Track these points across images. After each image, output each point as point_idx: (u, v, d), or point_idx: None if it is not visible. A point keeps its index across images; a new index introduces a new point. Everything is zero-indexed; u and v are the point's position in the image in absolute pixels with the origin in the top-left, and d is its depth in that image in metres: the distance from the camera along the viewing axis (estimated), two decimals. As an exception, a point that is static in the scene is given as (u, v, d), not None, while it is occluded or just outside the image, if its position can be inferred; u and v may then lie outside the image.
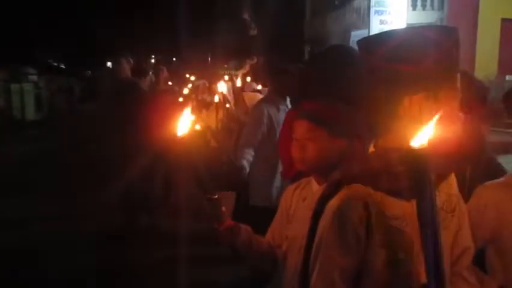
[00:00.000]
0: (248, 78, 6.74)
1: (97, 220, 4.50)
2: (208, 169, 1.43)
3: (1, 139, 11.28)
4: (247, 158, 3.13)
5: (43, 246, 4.13)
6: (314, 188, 1.54)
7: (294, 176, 1.78)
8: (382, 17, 12.65)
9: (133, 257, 3.92)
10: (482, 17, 12.08)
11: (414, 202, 0.96)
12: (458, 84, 1.09)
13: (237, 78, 6.20)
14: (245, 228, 1.53)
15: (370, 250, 1.09)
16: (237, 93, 5.17)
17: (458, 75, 1.09)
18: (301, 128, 1.50)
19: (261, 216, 2.97)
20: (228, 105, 4.57)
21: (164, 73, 5.01)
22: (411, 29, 1.25)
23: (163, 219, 4.57)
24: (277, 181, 3.00)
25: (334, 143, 1.46)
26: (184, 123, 1.39)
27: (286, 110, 3.02)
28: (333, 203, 1.13)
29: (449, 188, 1.20)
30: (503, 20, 12.15)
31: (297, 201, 1.58)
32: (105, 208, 4.52)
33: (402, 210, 1.07)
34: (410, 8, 13.05)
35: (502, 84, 9.65)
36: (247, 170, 3.12)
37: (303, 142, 1.49)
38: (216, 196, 1.43)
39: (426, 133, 0.87)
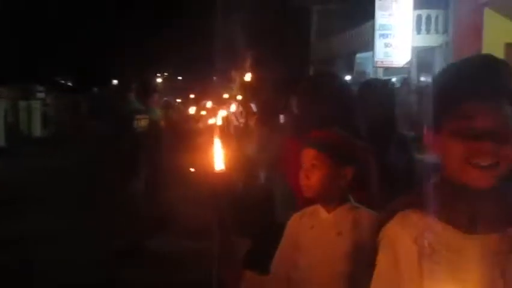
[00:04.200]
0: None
1: (101, 239, 4.52)
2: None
3: (8, 155, 11.37)
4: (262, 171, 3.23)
5: (45, 263, 4.13)
6: (323, 215, 1.57)
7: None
8: (387, 40, 12.79)
9: (138, 277, 3.94)
10: (486, 41, 12.19)
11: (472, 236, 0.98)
12: None
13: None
14: (250, 275, 1.56)
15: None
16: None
17: None
18: (307, 156, 1.56)
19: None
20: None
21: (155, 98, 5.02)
22: None
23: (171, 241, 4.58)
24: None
25: (338, 171, 1.52)
26: (220, 158, 1.43)
27: None
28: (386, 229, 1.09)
29: None
30: (507, 45, 12.24)
31: (305, 230, 1.60)
32: (110, 227, 4.54)
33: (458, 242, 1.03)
34: (415, 32, 13.21)
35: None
36: (262, 180, 3.21)
37: (308, 169, 1.55)
38: (232, 241, 1.49)
39: None
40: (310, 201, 1.63)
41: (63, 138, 13.79)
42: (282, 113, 4.31)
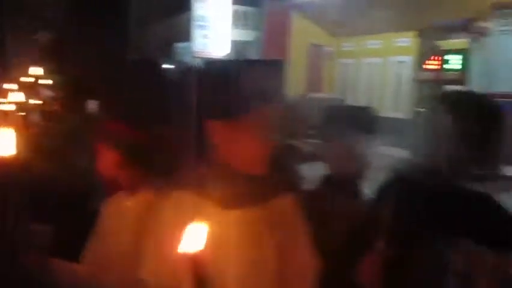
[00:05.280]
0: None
1: None
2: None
3: None
4: None
5: None
6: (124, 201, 1.59)
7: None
8: (205, 32, 13.09)
9: None
10: (294, 40, 13.45)
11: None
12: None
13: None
14: (58, 263, 1.54)
15: None
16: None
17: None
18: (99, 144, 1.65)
19: None
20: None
21: None
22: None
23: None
24: None
25: (108, 156, 1.57)
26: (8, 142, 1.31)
27: None
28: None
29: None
30: (312, 45, 13.72)
31: (110, 216, 1.61)
32: None
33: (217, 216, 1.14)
34: (233, 26, 13.81)
35: (308, 101, 10.86)
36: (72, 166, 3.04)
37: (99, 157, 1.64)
38: (35, 227, 1.47)
39: None
40: (115, 187, 1.63)
41: None
42: (92, 99, 4.05)
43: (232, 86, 1.15)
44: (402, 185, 1.53)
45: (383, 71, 12.27)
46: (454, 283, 1.31)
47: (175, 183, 1.68)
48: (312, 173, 2.20)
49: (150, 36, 16.63)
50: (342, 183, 1.88)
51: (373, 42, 12.49)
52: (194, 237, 0.89)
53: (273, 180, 1.24)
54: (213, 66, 1.59)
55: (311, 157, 2.18)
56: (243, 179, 1.16)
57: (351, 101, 12.26)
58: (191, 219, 1.12)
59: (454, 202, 1.49)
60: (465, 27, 7.85)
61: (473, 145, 1.45)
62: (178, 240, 1.01)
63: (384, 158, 2.23)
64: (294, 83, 12.31)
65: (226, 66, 1.28)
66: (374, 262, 1.33)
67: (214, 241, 1.07)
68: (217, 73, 1.23)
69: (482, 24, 8.87)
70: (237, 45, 14.11)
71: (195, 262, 0.85)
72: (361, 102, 12.33)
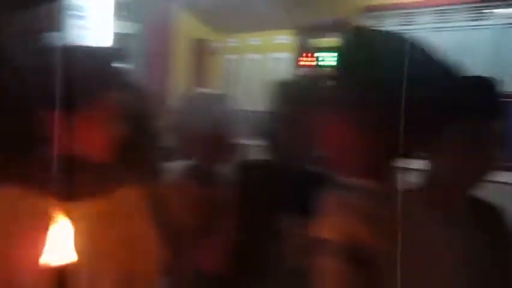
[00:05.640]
0: None
1: None
2: None
3: None
4: None
5: None
6: None
7: None
8: (81, 22, 12.36)
9: None
10: (179, 34, 13.29)
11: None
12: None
13: None
14: None
15: None
16: None
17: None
18: None
19: None
20: None
21: None
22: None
23: None
24: None
25: None
26: None
27: None
28: None
29: None
30: (196, 39, 13.66)
31: None
32: None
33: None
34: (115, 17, 13.23)
35: (191, 96, 10.81)
36: None
37: None
38: None
39: None
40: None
41: None
42: None
43: (64, 74, 1.12)
44: (251, 171, 1.61)
45: (263, 67, 12.67)
46: (291, 257, 1.40)
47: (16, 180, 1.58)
48: (181, 165, 2.21)
49: (19, 24, 15.32)
50: (204, 172, 1.92)
51: (255, 39, 12.84)
52: (56, 245, 0.81)
53: (118, 170, 1.23)
54: (54, 55, 1.51)
55: (177, 149, 2.19)
56: (86, 170, 1.14)
57: (233, 96, 12.45)
58: (18, 217, 1.06)
59: (300, 185, 1.60)
60: (337, 26, 8.39)
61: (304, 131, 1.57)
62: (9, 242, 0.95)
63: (252, 148, 2.31)
64: (179, 77, 12.18)
65: (61, 55, 1.24)
66: (216, 246, 1.37)
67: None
68: (54, 63, 1.18)
69: (353, 24, 9.56)
70: (119, 37, 13.54)
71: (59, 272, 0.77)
72: (242, 97, 12.60)
